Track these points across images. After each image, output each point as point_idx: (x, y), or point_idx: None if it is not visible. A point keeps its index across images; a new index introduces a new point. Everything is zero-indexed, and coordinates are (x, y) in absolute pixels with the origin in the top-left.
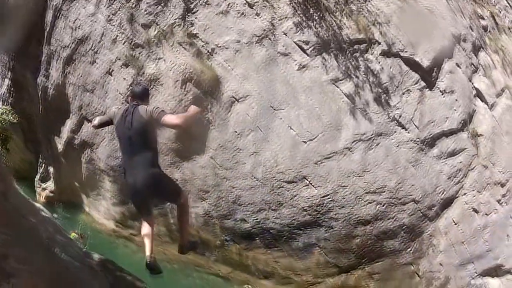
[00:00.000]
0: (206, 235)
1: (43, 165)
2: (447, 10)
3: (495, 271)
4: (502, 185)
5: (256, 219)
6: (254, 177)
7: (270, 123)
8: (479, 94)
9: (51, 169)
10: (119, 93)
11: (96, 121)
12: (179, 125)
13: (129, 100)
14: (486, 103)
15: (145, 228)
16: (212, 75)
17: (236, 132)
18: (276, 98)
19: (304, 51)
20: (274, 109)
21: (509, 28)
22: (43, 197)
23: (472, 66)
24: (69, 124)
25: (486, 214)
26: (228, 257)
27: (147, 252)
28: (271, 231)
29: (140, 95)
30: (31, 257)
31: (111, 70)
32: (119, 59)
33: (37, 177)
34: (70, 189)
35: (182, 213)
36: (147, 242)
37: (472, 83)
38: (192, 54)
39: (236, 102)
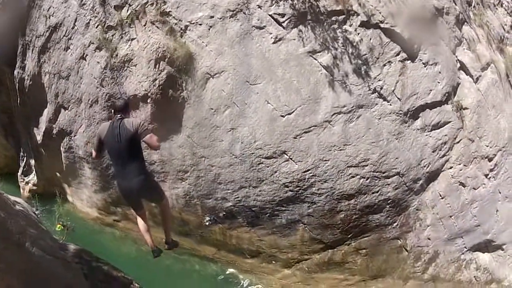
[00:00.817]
0: (188, 216)
1: (25, 158)
2: None
3: (486, 247)
4: (490, 159)
5: (237, 197)
6: (233, 154)
7: (246, 98)
8: (463, 67)
9: (32, 162)
10: (94, 77)
11: (93, 151)
12: (157, 148)
13: (113, 114)
14: (471, 76)
15: (141, 224)
16: (185, 52)
17: (212, 109)
18: (252, 72)
19: (279, 23)
20: (250, 84)
21: (494, 4)
22: (27, 191)
23: (456, 39)
24: (46, 113)
25: (474, 189)
26: (212, 237)
27: (149, 244)
28: (253, 208)
29: (122, 108)
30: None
31: (84, 54)
32: (92, 43)
33: (20, 171)
34: (52, 180)
35: (165, 213)
36: (146, 236)
37: (456, 56)
38: (165, 33)
39: (211, 78)
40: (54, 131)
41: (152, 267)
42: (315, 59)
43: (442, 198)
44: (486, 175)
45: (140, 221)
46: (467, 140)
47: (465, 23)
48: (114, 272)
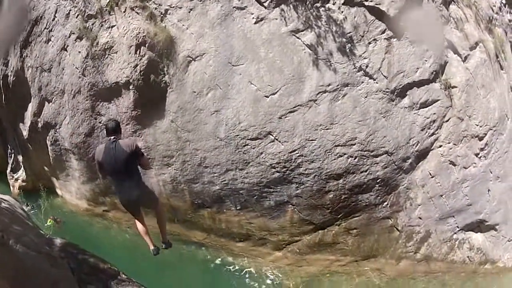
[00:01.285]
0: (176, 202)
1: (12, 155)
2: None
3: (478, 226)
4: (480, 139)
5: (224, 180)
6: (217, 137)
7: (229, 79)
8: (451, 46)
9: (20, 158)
10: (75, 67)
11: (100, 174)
12: (150, 168)
13: (106, 135)
14: (459, 55)
15: (140, 227)
16: (166, 36)
17: (194, 92)
18: (234, 53)
19: (261, 3)
20: (233, 65)
21: None
22: (17, 187)
23: (443, 18)
24: (31, 108)
25: (465, 168)
26: (201, 222)
27: (150, 246)
28: (240, 191)
29: (115, 130)
30: None
31: (66, 45)
32: (73, 33)
33: (8, 168)
34: (40, 175)
35: (160, 216)
36: (145, 237)
37: (444, 35)
38: (145, 18)
39: (193, 61)
40: (39, 125)
41: (142, 255)
42: (298, 38)
43: (432, 177)
44: (476, 155)
45: (139, 224)
46: (456, 118)
47: (452, 2)
48: (101, 264)
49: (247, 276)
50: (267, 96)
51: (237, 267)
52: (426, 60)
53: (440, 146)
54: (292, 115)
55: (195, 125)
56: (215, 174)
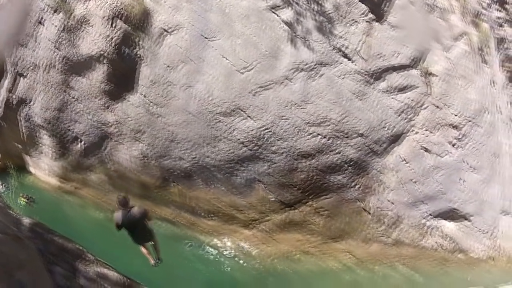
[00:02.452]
0: (145, 178)
1: None
2: None
3: (451, 215)
4: (456, 128)
5: (193, 156)
6: (188, 112)
7: (202, 53)
8: (434, 35)
9: None
10: (50, 41)
11: (117, 229)
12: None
13: (121, 208)
14: (442, 44)
15: (144, 251)
16: (141, 8)
17: (168, 66)
18: (210, 27)
19: None
20: (208, 40)
21: None
22: None
23: (427, 6)
24: (6, 83)
25: (439, 155)
26: (170, 199)
27: (151, 261)
28: (210, 168)
29: (126, 203)
30: None
31: (42, 19)
32: (49, 6)
33: None
34: (13, 154)
35: (156, 243)
36: (149, 257)
37: (427, 23)
38: None
39: (168, 34)
40: (14, 101)
41: (111, 232)
42: (277, 14)
43: (405, 162)
44: (452, 144)
45: (143, 249)
46: (433, 106)
47: None
48: (68, 244)
49: (215, 254)
50: (240, 72)
51: (205, 245)
52: (406, 46)
53: (415, 132)
54: (265, 91)
55: (167, 100)
56: (185, 150)
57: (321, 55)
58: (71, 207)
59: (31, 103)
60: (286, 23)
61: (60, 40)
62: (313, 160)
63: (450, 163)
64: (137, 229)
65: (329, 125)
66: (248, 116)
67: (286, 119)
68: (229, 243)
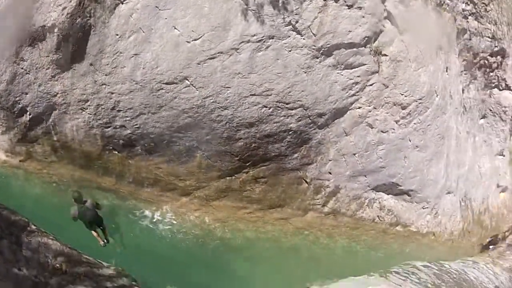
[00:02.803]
0: (88, 148)
1: None
2: None
3: (391, 189)
4: (403, 108)
5: (136, 124)
6: (133, 80)
7: (153, 23)
8: (390, 17)
9: None
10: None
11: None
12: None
13: (76, 203)
14: (397, 26)
15: (95, 234)
16: None
17: (117, 35)
18: None
19: None
20: (159, 9)
21: None
22: None
23: None
24: None
25: (382, 132)
26: (112, 168)
27: (100, 242)
28: (151, 136)
29: (80, 199)
30: None
31: None
32: None
33: None
34: None
35: (104, 227)
36: (98, 238)
37: (385, 6)
38: None
39: (121, 4)
40: None
41: (55, 204)
42: None
43: (346, 135)
44: (396, 121)
45: (94, 233)
46: (381, 84)
47: None
48: (12, 216)
49: (154, 222)
50: (188, 42)
51: (145, 213)
52: (360, 26)
53: (359, 107)
54: (211, 61)
55: (113, 68)
56: (128, 118)
57: (271, 28)
58: (16, 180)
59: None
60: None
61: (15, 11)
62: (253, 129)
63: (393, 140)
64: (90, 219)
65: (272, 96)
66: (192, 84)
67: (229, 88)
68: (168, 211)
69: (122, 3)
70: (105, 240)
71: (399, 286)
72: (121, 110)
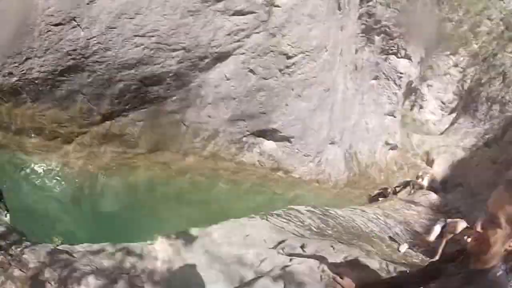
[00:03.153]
0: None
1: None
2: None
3: (271, 135)
4: (288, 57)
5: (22, 70)
6: (24, 24)
7: None
8: None
9: None
10: None
11: None
12: None
13: None
14: None
15: None
16: None
17: None
18: None
19: None
20: None
21: None
22: None
23: None
24: None
25: (264, 78)
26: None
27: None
28: (36, 81)
29: None
30: None
31: None
32: None
33: None
34: None
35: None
36: None
37: None
38: None
39: None
40: None
41: None
42: None
43: (227, 80)
44: (280, 70)
45: None
46: (267, 33)
47: None
48: None
49: (40, 172)
50: None
51: (30, 165)
52: None
53: (243, 53)
54: (100, 1)
55: (4, 13)
56: (15, 64)
57: None
58: None
59: None
60: None
61: None
62: (133, 70)
63: (274, 87)
64: None
65: (155, 37)
66: (79, 25)
67: (114, 28)
68: (53, 160)
69: None
70: (7, 211)
71: (282, 229)
72: (10, 56)
